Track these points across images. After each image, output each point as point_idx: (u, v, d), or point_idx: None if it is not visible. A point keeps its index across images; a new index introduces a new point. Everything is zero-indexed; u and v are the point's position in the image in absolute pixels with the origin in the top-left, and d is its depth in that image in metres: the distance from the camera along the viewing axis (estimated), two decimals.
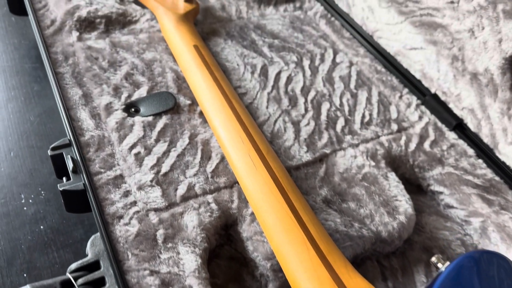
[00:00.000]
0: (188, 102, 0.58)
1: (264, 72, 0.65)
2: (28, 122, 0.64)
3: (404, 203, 0.50)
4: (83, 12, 0.65)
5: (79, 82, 0.57)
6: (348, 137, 0.57)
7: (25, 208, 0.55)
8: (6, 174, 0.58)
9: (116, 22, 0.67)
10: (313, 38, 0.73)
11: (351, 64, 0.69)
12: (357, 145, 0.56)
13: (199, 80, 0.58)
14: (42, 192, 0.57)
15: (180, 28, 0.64)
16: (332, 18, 0.78)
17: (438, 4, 0.64)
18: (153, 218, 0.45)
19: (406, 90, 0.65)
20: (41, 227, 0.53)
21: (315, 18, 0.77)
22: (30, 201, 0.56)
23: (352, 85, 0.66)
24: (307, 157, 0.54)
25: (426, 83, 0.65)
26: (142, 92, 0.58)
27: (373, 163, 0.54)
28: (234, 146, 0.50)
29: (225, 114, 0.53)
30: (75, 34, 0.64)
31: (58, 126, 0.64)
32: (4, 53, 0.74)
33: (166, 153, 0.51)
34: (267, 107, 0.60)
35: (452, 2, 0.63)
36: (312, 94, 0.63)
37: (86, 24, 0.65)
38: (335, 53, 0.71)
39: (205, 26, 0.71)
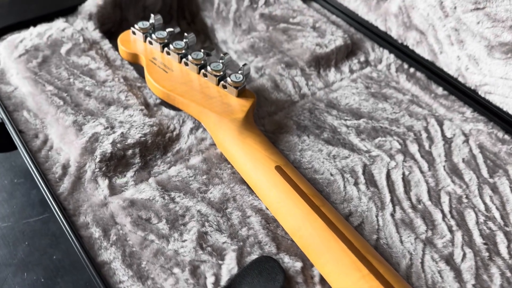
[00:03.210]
0: (299, 264, 0.40)
1: (369, 177, 0.47)
2: None
3: None
4: (107, 147, 0.45)
5: (138, 273, 0.38)
6: None
7: None
8: None
9: (154, 146, 0.47)
10: (403, 105, 0.55)
11: (466, 136, 0.52)
12: None
13: (295, 215, 0.40)
14: None
15: (246, 141, 0.46)
16: (412, 69, 0.60)
17: None
18: None
19: None
20: None
21: (391, 73, 0.60)
22: None
23: (485, 172, 0.49)
24: None
25: None
26: (230, 264, 0.39)
27: None
28: None
29: (345, 264, 0.37)
30: (104, 183, 0.44)
31: None
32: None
33: None
34: (400, 241, 0.43)
35: None
36: (445, 200, 0.46)
37: (116, 163, 0.45)
38: (440, 123, 0.54)
39: (265, 120, 0.53)
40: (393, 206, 0.45)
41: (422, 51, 0.60)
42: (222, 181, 0.46)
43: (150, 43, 0.54)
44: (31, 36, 0.56)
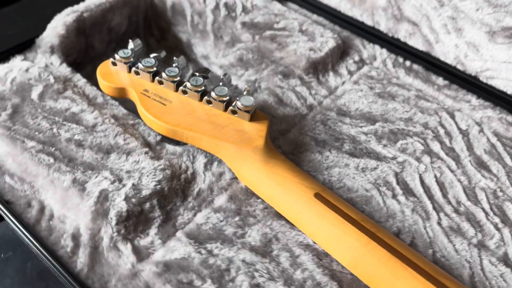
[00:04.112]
0: None
1: (405, 187, 0.45)
2: None
3: None
4: (121, 205, 0.38)
5: None
6: None
7: None
8: None
9: (172, 193, 0.41)
10: (412, 102, 0.53)
11: (479, 126, 0.51)
12: None
13: (351, 247, 0.37)
14: None
15: (274, 170, 0.41)
16: (408, 62, 0.58)
17: None
18: None
19: None
20: None
21: (388, 69, 0.58)
22: None
23: (508, 160, 0.48)
24: None
25: None
26: None
27: None
28: None
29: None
30: (126, 248, 0.38)
31: None
32: None
33: None
34: (455, 250, 0.41)
35: None
36: (482, 197, 0.45)
37: (135, 221, 0.39)
38: (452, 115, 0.52)
39: (279, 141, 0.48)
40: (437, 213, 0.43)
41: (416, 43, 0.58)
42: (257, 220, 0.41)
43: (137, 73, 0.48)
44: None
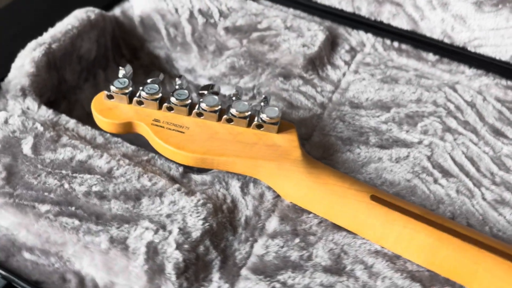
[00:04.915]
0: None
1: (441, 169, 0.45)
2: None
3: None
4: (175, 255, 0.33)
5: None
6: None
7: None
8: None
9: (222, 228, 0.37)
10: (414, 82, 0.53)
11: (482, 95, 0.52)
12: None
13: (423, 244, 0.36)
14: None
15: (320, 180, 0.39)
16: (396, 43, 0.58)
17: None
18: None
19: None
20: None
21: (380, 53, 0.57)
22: None
23: None
24: None
25: None
26: None
27: None
28: None
29: (501, 271, 0.34)
30: None
31: None
32: None
33: None
34: (508, 222, 0.41)
35: None
36: (509, 164, 0.46)
37: (194, 270, 0.34)
38: (454, 89, 0.53)
39: (306, 147, 0.46)
40: (479, 189, 0.44)
41: (400, 23, 0.58)
42: (318, 237, 0.38)
43: (139, 103, 0.42)
44: None
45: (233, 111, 0.42)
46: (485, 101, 0.52)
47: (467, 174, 0.45)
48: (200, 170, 0.43)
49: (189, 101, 0.42)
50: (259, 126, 0.42)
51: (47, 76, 0.48)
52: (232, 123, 0.42)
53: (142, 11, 0.57)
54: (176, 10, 0.56)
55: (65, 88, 0.52)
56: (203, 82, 0.56)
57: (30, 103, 0.45)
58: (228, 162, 0.40)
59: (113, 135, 0.44)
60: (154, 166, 0.42)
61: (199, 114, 0.42)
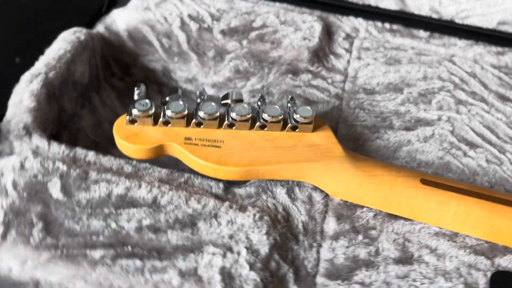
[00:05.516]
0: None
1: (466, 142, 0.46)
2: None
3: None
4: (251, 276, 0.32)
5: None
6: None
7: None
8: None
9: (285, 239, 0.36)
10: (415, 61, 0.54)
11: (478, 63, 0.54)
12: None
13: (480, 218, 0.37)
14: None
15: (366, 173, 0.39)
16: (387, 24, 0.59)
17: None
18: None
19: None
20: None
21: (375, 36, 0.57)
22: None
23: None
24: None
25: None
26: None
27: None
28: None
29: None
30: None
31: None
32: None
33: None
34: None
35: None
36: None
37: None
38: (453, 62, 0.54)
39: (337, 138, 0.45)
40: (504, 154, 0.45)
41: (388, 4, 0.59)
42: (379, 230, 0.38)
43: (166, 123, 0.40)
44: None
45: (265, 116, 0.40)
46: (483, 69, 0.54)
47: (489, 142, 0.46)
48: (237, 182, 0.42)
49: (218, 113, 0.40)
50: (294, 128, 0.41)
51: (48, 108, 0.44)
52: (265, 129, 0.41)
53: (128, 24, 0.53)
54: (165, 19, 0.53)
55: (65, 118, 0.47)
56: (207, 90, 0.54)
57: (39, 141, 0.41)
58: (273, 170, 0.39)
59: (139, 161, 0.41)
60: (194, 187, 0.39)
61: (231, 125, 0.40)
